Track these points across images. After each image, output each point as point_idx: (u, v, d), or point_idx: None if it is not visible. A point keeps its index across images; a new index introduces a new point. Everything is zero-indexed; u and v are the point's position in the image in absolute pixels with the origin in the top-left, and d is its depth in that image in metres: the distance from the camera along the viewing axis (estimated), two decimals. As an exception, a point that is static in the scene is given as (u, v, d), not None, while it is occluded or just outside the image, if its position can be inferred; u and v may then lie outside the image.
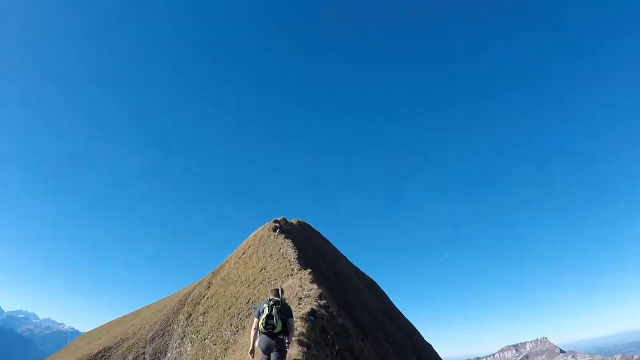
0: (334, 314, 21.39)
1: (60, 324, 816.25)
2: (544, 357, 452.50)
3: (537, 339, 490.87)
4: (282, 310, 9.53)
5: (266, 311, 9.31)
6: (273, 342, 9.24)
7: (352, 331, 21.69)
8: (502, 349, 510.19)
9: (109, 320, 75.46)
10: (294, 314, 14.48)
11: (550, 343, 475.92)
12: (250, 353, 9.28)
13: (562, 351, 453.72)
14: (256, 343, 9.24)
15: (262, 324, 9.31)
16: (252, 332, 9.35)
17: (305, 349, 12.55)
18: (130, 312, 73.48)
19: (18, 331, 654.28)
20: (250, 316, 35.56)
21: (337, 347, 17.64)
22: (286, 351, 9.58)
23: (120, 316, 75.23)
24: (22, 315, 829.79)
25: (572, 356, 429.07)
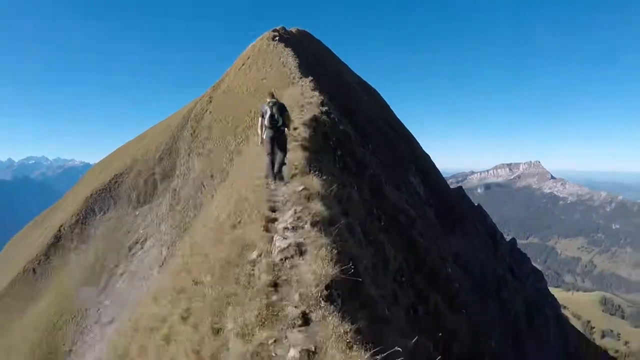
0: (336, 120, 21.27)
1: (71, 160, 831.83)
2: (535, 179, 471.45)
3: (530, 162, 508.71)
4: (280, 107, 11.62)
5: (269, 112, 11.44)
6: (276, 133, 11.47)
7: (354, 137, 21.76)
8: (496, 166, 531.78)
9: (117, 147, 76.23)
10: (296, 121, 16.17)
11: (543, 168, 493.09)
12: (261, 144, 11.87)
13: (552, 177, 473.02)
14: (264, 135, 11.57)
15: (267, 122, 11.44)
16: (260, 129, 11.84)
17: (308, 154, 12.71)
18: (136, 136, 73.86)
19: (32, 177, 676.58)
20: (253, 126, 35.93)
21: (339, 153, 17.85)
22: (287, 137, 11.98)
23: (127, 141, 75.91)
24: (33, 161, 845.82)
25: (562, 183, 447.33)
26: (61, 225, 54.39)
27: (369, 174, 18.89)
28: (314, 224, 7.04)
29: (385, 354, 4.27)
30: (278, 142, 11.48)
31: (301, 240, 6.47)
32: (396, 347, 4.52)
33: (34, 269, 52.25)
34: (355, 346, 4.32)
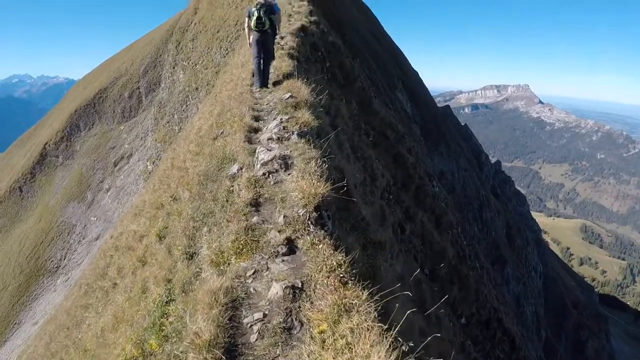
0: (325, 30, 20.11)
1: (55, 77, 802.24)
2: (522, 102, 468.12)
3: (519, 85, 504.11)
4: (267, 8, 11.01)
5: (255, 14, 10.90)
6: (263, 36, 11.01)
7: (343, 49, 20.67)
8: (484, 87, 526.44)
9: (100, 63, 73.98)
10: (283, 30, 15.17)
11: (531, 92, 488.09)
12: (250, 46, 11.46)
13: (540, 102, 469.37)
14: (250, 38, 11.19)
15: (253, 24, 10.95)
16: (246, 30, 11.40)
17: (296, 63, 11.91)
18: (121, 49, 71.68)
19: (15, 95, 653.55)
20: (240, 37, 34.58)
21: (328, 64, 16.95)
22: (274, 40, 11.65)
23: (111, 55, 73.62)
24: (16, 80, 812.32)
25: (549, 109, 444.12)
26: (46, 143, 53.56)
27: (357, 87, 18.04)
28: (301, 135, 6.29)
29: (384, 292, 3.56)
30: (265, 45, 11.06)
31: (287, 152, 5.70)
32: (397, 285, 3.90)
33: (20, 188, 51.94)
34: (350, 282, 3.57)
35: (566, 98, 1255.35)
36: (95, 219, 44.19)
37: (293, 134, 6.30)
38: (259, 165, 5.51)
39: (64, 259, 42.90)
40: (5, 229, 49.64)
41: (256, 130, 7.05)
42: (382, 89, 36.03)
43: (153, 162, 40.75)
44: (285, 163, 5.43)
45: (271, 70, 11.26)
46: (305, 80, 9.68)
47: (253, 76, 11.18)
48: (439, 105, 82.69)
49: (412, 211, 14.49)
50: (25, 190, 51.57)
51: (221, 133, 8.26)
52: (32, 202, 50.58)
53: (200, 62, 40.17)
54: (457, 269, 15.35)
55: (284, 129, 6.58)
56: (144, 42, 59.31)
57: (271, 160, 5.44)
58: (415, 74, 73.17)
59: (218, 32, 39.36)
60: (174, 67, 45.41)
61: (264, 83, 10.61)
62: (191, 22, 46.11)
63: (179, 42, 46.36)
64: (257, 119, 7.75)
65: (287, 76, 10.53)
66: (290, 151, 5.71)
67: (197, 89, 38.80)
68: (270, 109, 8.25)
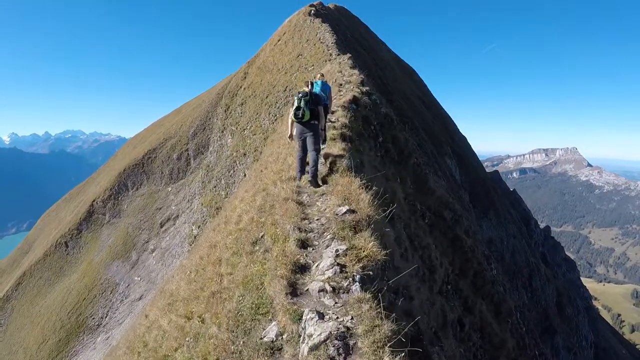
0: (377, 102, 19.45)
1: (107, 135, 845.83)
2: (571, 166, 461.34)
3: (567, 148, 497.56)
4: (311, 100, 10.09)
5: (295, 103, 10.04)
6: (305, 128, 10.04)
7: (396, 122, 19.92)
8: (532, 151, 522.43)
9: (152, 122, 76.66)
10: (334, 102, 14.32)
11: (579, 154, 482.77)
12: (290, 137, 10.66)
13: (589, 164, 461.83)
14: (294, 131, 10.33)
15: (292, 115, 10.16)
16: (289, 122, 10.52)
17: (348, 144, 10.99)
18: (172, 111, 74.10)
19: (68, 150, 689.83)
20: (288, 104, 34.69)
21: (381, 139, 16.05)
22: (319, 134, 10.36)
23: (162, 116, 76.17)
24: (69, 135, 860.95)
25: (598, 171, 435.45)
26: (94, 200, 54.61)
27: (412, 162, 17.06)
28: (363, 281, 4.87)
29: None
30: (307, 139, 9.98)
31: (347, 323, 4.15)
32: None
33: (66, 243, 52.66)
34: None
35: (615, 160, 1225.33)
36: (139, 279, 44.07)
37: (354, 281, 4.82)
38: (306, 349, 3.91)
39: (106, 317, 42.68)
40: (49, 283, 50.12)
41: (303, 269, 5.50)
42: (432, 156, 35.30)
43: (199, 227, 40.65)
44: (346, 346, 3.84)
45: (321, 160, 10.11)
46: (362, 176, 8.28)
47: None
48: (487, 169, 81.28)
49: (470, 301, 13.28)
50: (71, 246, 52.30)
51: (261, 237, 7.19)
52: (77, 258, 51.13)
53: (248, 127, 40.46)
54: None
55: (341, 271, 5.06)
56: (194, 105, 60.90)
57: (324, 341, 3.84)
58: (463, 138, 72.49)
59: (267, 97, 39.75)
60: (222, 131, 45.99)
61: (311, 183, 9.33)
62: (240, 87, 46.99)
63: (228, 106, 47.17)
64: (304, 244, 6.22)
65: (340, 166, 9.33)
66: (353, 320, 4.15)
67: (244, 154, 38.88)
68: (322, 229, 6.66)
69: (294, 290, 5.00)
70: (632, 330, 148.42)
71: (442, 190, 19.00)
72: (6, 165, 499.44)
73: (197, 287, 8.22)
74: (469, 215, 26.77)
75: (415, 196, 14.43)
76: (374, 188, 7.65)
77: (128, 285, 44.66)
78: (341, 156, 9.95)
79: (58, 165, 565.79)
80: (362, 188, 7.43)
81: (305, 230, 6.63)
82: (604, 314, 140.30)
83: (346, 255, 5.41)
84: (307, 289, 5.01)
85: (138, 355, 9.11)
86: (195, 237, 39.37)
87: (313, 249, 6.10)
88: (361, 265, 5.14)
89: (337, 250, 5.55)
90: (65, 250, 52.43)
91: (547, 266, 63.83)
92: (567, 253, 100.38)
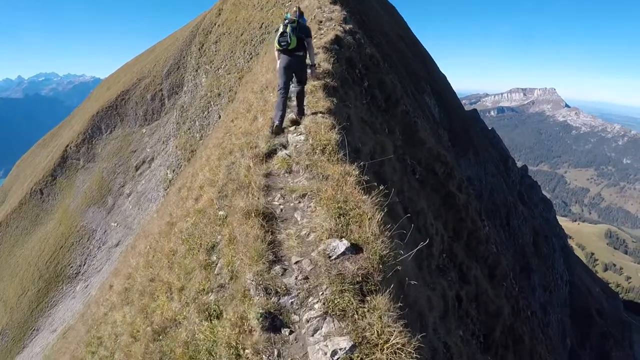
0: (362, 42, 17.91)
1: (81, 76, 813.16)
2: (549, 106, 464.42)
3: (545, 88, 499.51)
4: (298, 28, 8.94)
5: (280, 29, 8.90)
6: (292, 59, 8.93)
7: (382, 64, 18.46)
8: (510, 90, 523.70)
9: (126, 62, 73.50)
10: (314, 41, 12.22)
11: (557, 95, 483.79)
12: (277, 71, 9.33)
13: (567, 105, 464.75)
14: (278, 61, 9.15)
15: (276, 41, 8.95)
16: (275, 53, 9.36)
17: (334, 100, 9.59)
18: (145, 49, 71.09)
19: (42, 93, 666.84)
20: (265, 41, 33.25)
21: (366, 84, 14.76)
22: (307, 71, 9.46)
23: (136, 55, 73.07)
24: (43, 78, 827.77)
25: (575, 112, 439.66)
26: (67, 145, 52.94)
27: (400, 110, 15.94)
28: None
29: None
30: (294, 72, 8.93)
31: None
32: None
33: (40, 190, 51.37)
34: None
35: (593, 102, 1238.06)
36: (116, 224, 43.30)
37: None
38: None
39: (84, 265, 42.12)
40: (26, 232, 49.11)
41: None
42: (411, 94, 34.31)
43: (173, 170, 39.72)
44: None
45: (304, 100, 9.11)
46: (359, 163, 6.16)
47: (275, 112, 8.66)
48: (465, 108, 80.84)
49: (465, 267, 12.81)
50: (45, 193, 50.96)
51: (218, 243, 5.64)
52: (52, 206, 49.94)
53: (222, 66, 38.86)
54: (512, 328, 13.64)
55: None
56: (168, 43, 58.38)
57: None
58: (443, 77, 71.58)
59: (242, 35, 37.99)
60: (196, 71, 44.27)
61: (295, 122, 8.44)
62: (215, 24, 44.85)
63: (202, 44, 45.20)
64: (274, 321, 4.02)
65: (328, 142, 7.04)
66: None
67: (219, 95, 37.51)
68: (305, 288, 4.27)
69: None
70: (605, 269, 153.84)
71: (433, 140, 18.12)
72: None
73: (150, 289, 7.20)
74: (450, 155, 26.21)
75: (404, 149, 13.47)
76: (380, 187, 5.48)
77: (105, 231, 43.91)
78: (326, 114, 8.58)
79: (33, 110, 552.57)
80: (363, 185, 5.53)
81: (276, 292, 4.25)
82: (578, 252, 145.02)
83: (352, 360, 3.36)
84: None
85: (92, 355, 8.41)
86: (170, 181, 38.45)
87: (290, 333, 3.90)
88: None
89: (334, 353, 3.35)
90: (41, 197, 51.12)
91: (525, 205, 64.70)
92: (543, 192, 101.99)
